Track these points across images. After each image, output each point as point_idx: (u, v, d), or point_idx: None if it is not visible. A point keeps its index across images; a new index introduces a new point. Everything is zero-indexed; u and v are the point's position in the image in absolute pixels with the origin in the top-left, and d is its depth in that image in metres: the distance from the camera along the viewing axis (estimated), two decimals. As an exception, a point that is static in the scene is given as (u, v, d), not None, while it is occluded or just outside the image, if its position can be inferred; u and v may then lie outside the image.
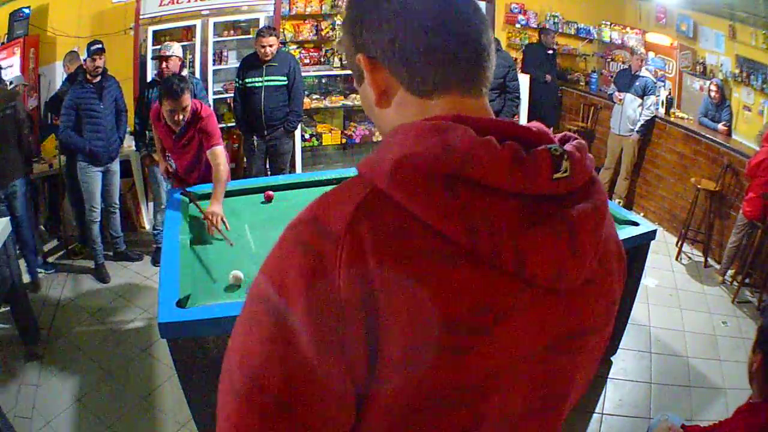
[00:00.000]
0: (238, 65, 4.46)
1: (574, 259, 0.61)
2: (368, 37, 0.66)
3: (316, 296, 0.55)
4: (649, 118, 5.06)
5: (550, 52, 5.95)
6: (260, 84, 4.26)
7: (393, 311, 0.55)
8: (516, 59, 6.55)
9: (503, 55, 4.71)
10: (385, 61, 0.66)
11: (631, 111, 5.09)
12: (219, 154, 2.99)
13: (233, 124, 4.76)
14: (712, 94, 4.74)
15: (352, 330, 0.55)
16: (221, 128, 5.23)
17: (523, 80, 5.85)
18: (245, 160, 4.69)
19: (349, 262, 0.55)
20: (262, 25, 4.87)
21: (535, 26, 6.44)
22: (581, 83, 6.43)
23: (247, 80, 4.27)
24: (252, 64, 4.27)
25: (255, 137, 4.41)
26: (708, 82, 4.92)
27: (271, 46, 4.17)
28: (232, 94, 4.59)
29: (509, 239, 0.57)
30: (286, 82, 4.31)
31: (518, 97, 4.75)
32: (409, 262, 0.55)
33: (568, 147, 0.63)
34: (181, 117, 3.01)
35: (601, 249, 0.66)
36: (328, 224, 0.57)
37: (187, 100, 2.98)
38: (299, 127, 5.12)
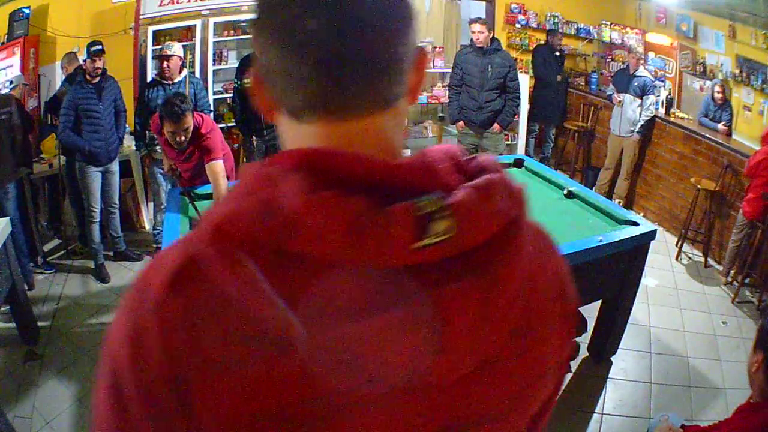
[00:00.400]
0: (237, 65, 4.47)
1: (439, 356, 0.49)
2: (254, 45, 0.56)
3: (140, 372, 0.49)
4: (648, 118, 5.06)
5: (558, 53, 5.96)
6: None
7: (205, 402, 0.48)
8: (516, 59, 6.55)
9: (503, 55, 4.69)
10: (262, 75, 0.56)
11: (630, 112, 5.09)
12: (217, 171, 2.96)
13: (233, 123, 4.77)
14: (717, 95, 4.73)
15: (173, 418, 0.48)
16: (221, 128, 5.22)
17: (523, 80, 5.86)
18: (245, 160, 4.70)
19: (163, 342, 0.48)
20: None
21: (536, 26, 6.44)
22: (581, 84, 6.43)
23: (246, 80, 4.27)
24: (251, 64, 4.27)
25: (254, 137, 4.41)
26: (708, 83, 4.92)
27: None
28: (232, 95, 4.59)
29: (337, 331, 0.46)
30: None
31: (518, 97, 4.75)
32: (219, 350, 0.47)
33: (459, 194, 0.49)
34: (183, 138, 3.00)
35: (509, 325, 0.53)
36: (148, 295, 0.50)
37: (189, 121, 2.97)
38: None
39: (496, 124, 4.65)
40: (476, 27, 4.55)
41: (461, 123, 4.77)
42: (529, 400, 0.61)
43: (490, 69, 4.56)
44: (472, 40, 4.61)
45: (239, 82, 4.31)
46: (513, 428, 0.61)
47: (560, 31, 6.17)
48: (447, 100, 5.23)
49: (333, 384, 0.48)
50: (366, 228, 0.46)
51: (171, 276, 0.49)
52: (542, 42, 6.16)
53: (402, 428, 0.51)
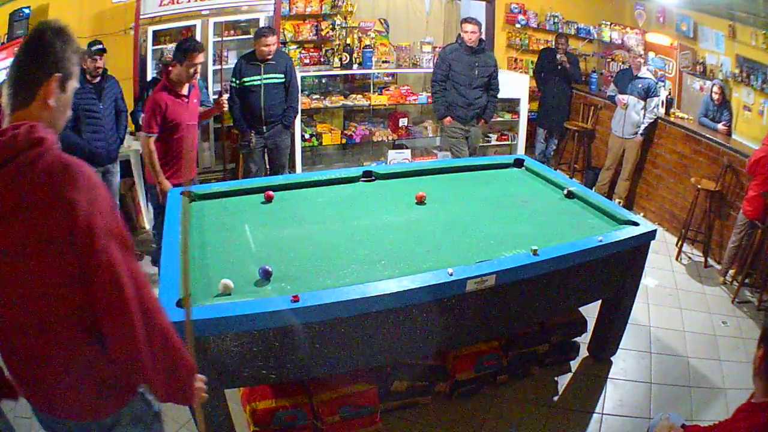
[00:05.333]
0: (234, 65, 4.49)
1: None
2: None
3: None
4: (652, 120, 5.05)
5: (559, 66, 5.90)
6: (259, 82, 4.30)
7: None
8: (516, 59, 6.56)
9: (489, 55, 4.96)
10: None
11: (635, 114, 5.08)
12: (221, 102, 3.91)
13: (231, 124, 4.77)
14: (715, 96, 4.73)
15: None
16: (220, 128, 5.21)
17: (523, 80, 5.87)
18: (244, 158, 4.70)
19: None
20: (262, 25, 4.87)
21: (536, 26, 6.45)
22: (582, 75, 6.42)
23: (245, 79, 4.30)
24: (250, 63, 4.31)
25: (254, 135, 4.44)
26: (709, 83, 4.92)
27: (272, 45, 4.25)
28: (228, 94, 4.59)
29: None
30: (283, 80, 4.38)
31: (498, 95, 5.00)
32: None
33: None
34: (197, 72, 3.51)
35: None
36: None
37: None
38: (299, 127, 5.14)
39: (481, 120, 4.97)
40: (469, 27, 4.73)
41: (449, 118, 4.94)
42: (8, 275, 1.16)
43: (477, 68, 4.78)
44: (461, 38, 4.75)
45: (237, 82, 4.34)
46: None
47: (564, 43, 5.93)
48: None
49: None
50: None
51: None
52: (551, 45, 6.16)
53: None
